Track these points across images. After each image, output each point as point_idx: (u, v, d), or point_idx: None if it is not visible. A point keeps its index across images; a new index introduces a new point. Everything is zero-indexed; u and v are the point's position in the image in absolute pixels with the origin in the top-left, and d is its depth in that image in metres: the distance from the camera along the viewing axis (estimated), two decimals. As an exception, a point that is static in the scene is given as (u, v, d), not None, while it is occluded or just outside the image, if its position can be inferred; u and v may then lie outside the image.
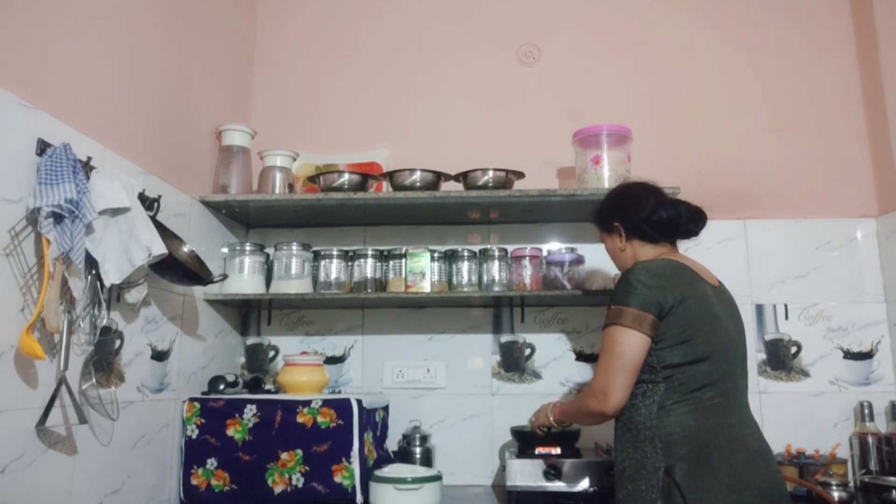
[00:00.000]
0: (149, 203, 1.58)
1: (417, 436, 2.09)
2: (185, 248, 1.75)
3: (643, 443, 1.41)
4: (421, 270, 2.06)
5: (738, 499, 1.34)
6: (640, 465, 1.41)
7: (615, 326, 1.43)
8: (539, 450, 1.84)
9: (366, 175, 2.09)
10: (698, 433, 1.38)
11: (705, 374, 1.42)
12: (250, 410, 1.79)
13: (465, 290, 2.10)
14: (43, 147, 1.28)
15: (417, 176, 2.04)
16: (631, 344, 1.41)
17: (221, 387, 1.91)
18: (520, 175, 2.07)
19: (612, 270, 1.85)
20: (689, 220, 1.58)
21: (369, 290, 2.11)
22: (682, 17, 2.45)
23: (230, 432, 1.78)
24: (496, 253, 2.12)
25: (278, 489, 1.74)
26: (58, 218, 1.22)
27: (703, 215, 1.60)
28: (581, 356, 2.23)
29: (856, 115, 2.34)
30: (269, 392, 1.95)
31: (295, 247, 2.12)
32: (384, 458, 1.98)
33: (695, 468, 1.35)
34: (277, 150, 2.16)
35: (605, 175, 2.02)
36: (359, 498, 1.72)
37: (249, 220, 2.28)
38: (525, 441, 1.94)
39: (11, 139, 1.23)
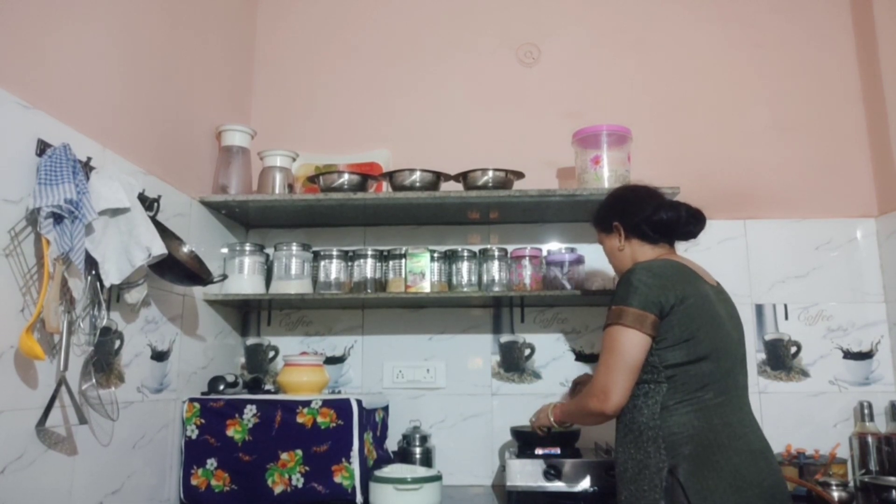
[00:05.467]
0: (149, 203, 1.58)
1: (417, 436, 2.09)
2: (185, 249, 1.75)
3: (646, 443, 1.42)
4: (421, 270, 2.06)
5: (741, 498, 1.34)
6: (642, 466, 1.42)
7: (616, 326, 1.44)
8: (539, 450, 1.84)
9: (366, 175, 2.09)
10: (701, 433, 1.38)
11: (707, 373, 1.42)
12: (250, 411, 1.79)
13: (465, 290, 2.10)
14: (43, 147, 1.28)
15: (417, 176, 2.04)
16: (632, 343, 1.41)
17: (221, 387, 1.91)
18: (520, 175, 2.07)
19: (612, 270, 1.85)
20: (688, 222, 1.59)
21: (369, 290, 2.11)
22: (682, 17, 2.45)
23: (230, 432, 1.78)
24: (496, 253, 2.12)
25: (278, 489, 1.74)
26: (58, 218, 1.22)
27: (703, 218, 1.60)
28: (581, 356, 2.23)
29: (856, 115, 2.34)
30: (269, 392, 1.95)
31: (295, 247, 2.12)
32: (384, 459, 1.98)
33: (698, 468, 1.35)
34: (277, 150, 2.16)
35: (605, 175, 2.02)
36: (359, 498, 1.72)
37: (249, 220, 2.28)
38: (525, 441, 1.94)
39: (11, 139, 1.23)
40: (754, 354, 2.18)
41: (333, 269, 2.13)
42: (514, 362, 2.25)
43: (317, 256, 2.16)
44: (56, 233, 1.21)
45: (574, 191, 1.98)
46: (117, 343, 1.55)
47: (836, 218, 2.26)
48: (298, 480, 1.73)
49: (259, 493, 1.74)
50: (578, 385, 1.93)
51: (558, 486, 1.79)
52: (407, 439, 2.09)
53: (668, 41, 2.44)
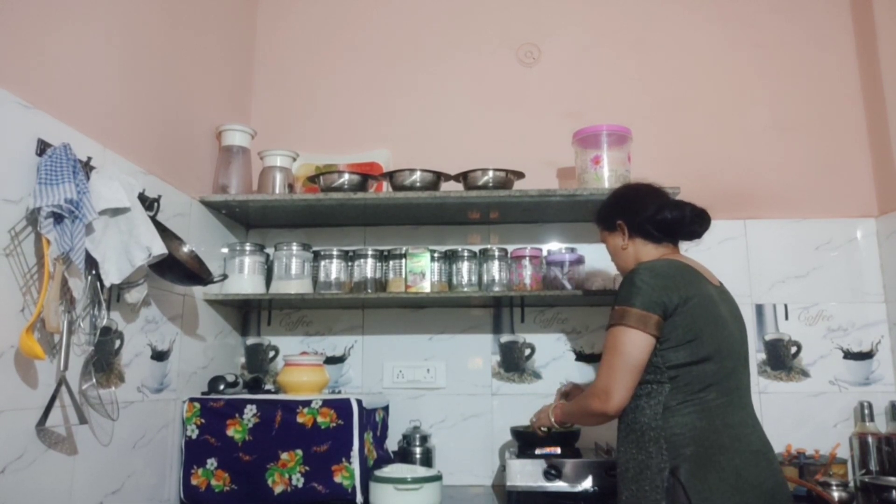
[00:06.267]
0: (149, 203, 1.58)
1: (417, 436, 2.09)
2: (185, 248, 1.75)
3: (648, 443, 1.41)
4: (421, 270, 2.06)
5: (742, 499, 1.34)
6: (644, 466, 1.41)
7: (619, 327, 1.43)
8: (539, 450, 1.84)
9: (366, 175, 2.09)
10: (703, 433, 1.38)
11: (710, 373, 1.42)
12: (250, 410, 1.79)
13: (465, 290, 2.10)
14: (43, 147, 1.28)
15: (417, 176, 2.04)
16: (635, 344, 1.41)
17: (221, 387, 1.91)
18: (520, 175, 2.07)
19: (613, 270, 1.85)
20: (693, 221, 1.58)
21: (369, 290, 2.11)
22: (682, 17, 2.46)
23: (230, 432, 1.78)
24: (496, 253, 2.12)
25: (278, 489, 1.73)
26: (58, 218, 1.22)
27: (707, 217, 1.60)
28: (581, 356, 2.23)
29: (856, 115, 2.34)
30: (269, 392, 1.95)
31: (295, 247, 2.12)
32: (384, 458, 1.98)
33: (699, 469, 1.35)
34: (277, 150, 2.16)
35: (605, 175, 2.02)
36: (359, 498, 1.72)
37: (249, 220, 2.28)
38: (525, 441, 1.94)
39: (11, 139, 1.23)
40: (755, 354, 2.18)
41: (333, 269, 2.13)
42: (514, 362, 2.24)
43: (317, 256, 2.16)
44: (56, 232, 1.21)
45: (574, 191, 1.98)
46: (117, 343, 1.55)
47: (836, 218, 2.26)
48: (298, 480, 1.73)
49: (259, 493, 1.74)
50: (566, 396, 1.86)
51: (559, 486, 1.79)
52: (407, 439, 2.09)
53: (668, 41, 2.44)
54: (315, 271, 2.16)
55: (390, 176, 2.08)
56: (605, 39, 2.46)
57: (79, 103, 1.44)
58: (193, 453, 1.79)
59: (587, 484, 1.79)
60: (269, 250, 2.21)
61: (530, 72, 2.46)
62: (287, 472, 1.74)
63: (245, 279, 2.08)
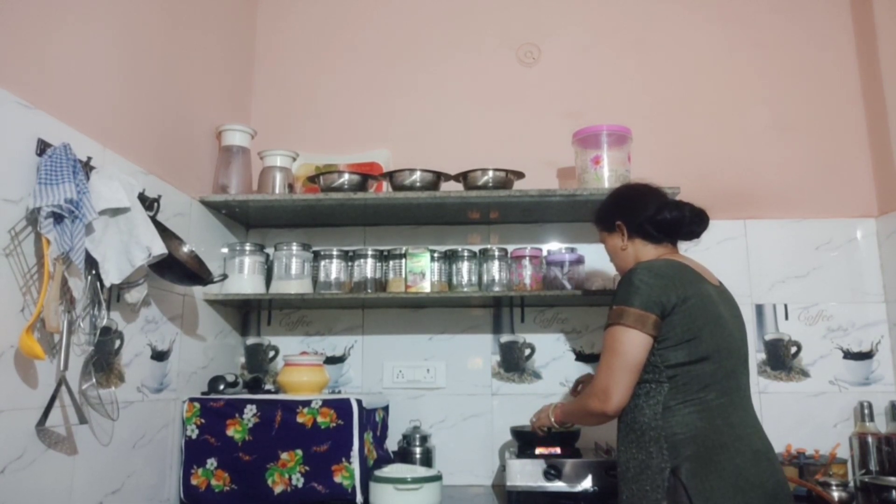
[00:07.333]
0: (149, 203, 1.58)
1: (417, 436, 2.09)
2: (185, 248, 1.75)
3: (648, 443, 1.41)
4: (421, 270, 2.06)
5: (743, 499, 1.34)
6: (644, 466, 1.41)
7: (617, 326, 1.43)
8: (539, 450, 1.84)
9: (366, 175, 2.09)
10: (704, 433, 1.38)
11: (709, 373, 1.42)
12: (250, 410, 1.79)
13: (465, 290, 2.10)
14: (43, 147, 1.28)
15: (417, 176, 2.04)
16: (633, 343, 1.41)
17: (221, 387, 1.91)
18: (520, 175, 2.07)
19: (613, 270, 1.84)
20: (692, 221, 1.59)
21: (369, 290, 2.11)
22: (682, 17, 2.46)
23: (230, 432, 1.78)
24: (496, 253, 2.12)
25: (278, 489, 1.74)
26: (58, 218, 1.22)
27: (706, 218, 1.60)
28: (581, 356, 2.23)
29: (856, 115, 2.34)
30: (269, 392, 1.95)
31: (295, 247, 2.12)
32: (384, 458, 1.98)
33: (701, 468, 1.35)
34: (277, 150, 2.16)
35: (605, 175, 2.02)
36: (359, 498, 1.72)
37: (249, 220, 2.28)
38: (525, 441, 1.94)
39: (11, 139, 1.23)
40: (754, 354, 2.17)
41: (333, 269, 2.13)
42: (514, 362, 2.24)
43: (317, 256, 2.16)
44: (56, 232, 1.21)
45: (574, 191, 1.98)
46: (117, 343, 1.55)
47: (836, 218, 2.26)
48: (298, 480, 1.73)
49: (259, 493, 1.74)
50: (581, 384, 1.93)
51: (558, 486, 1.79)
52: (407, 439, 2.09)
53: (668, 41, 2.44)
54: (315, 271, 2.16)
55: (390, 176, 2.08)
56: (605, 39, 2.46)
57: (79, 103, 1.44)
58: (193, 453, 1.79)
59: (587, 484, 1.79)
60: (269, 250, 2.21)
61: (530, 72, 2.46)
62: (287, 472, 1.74)
63: (245, 279, 2.08)
